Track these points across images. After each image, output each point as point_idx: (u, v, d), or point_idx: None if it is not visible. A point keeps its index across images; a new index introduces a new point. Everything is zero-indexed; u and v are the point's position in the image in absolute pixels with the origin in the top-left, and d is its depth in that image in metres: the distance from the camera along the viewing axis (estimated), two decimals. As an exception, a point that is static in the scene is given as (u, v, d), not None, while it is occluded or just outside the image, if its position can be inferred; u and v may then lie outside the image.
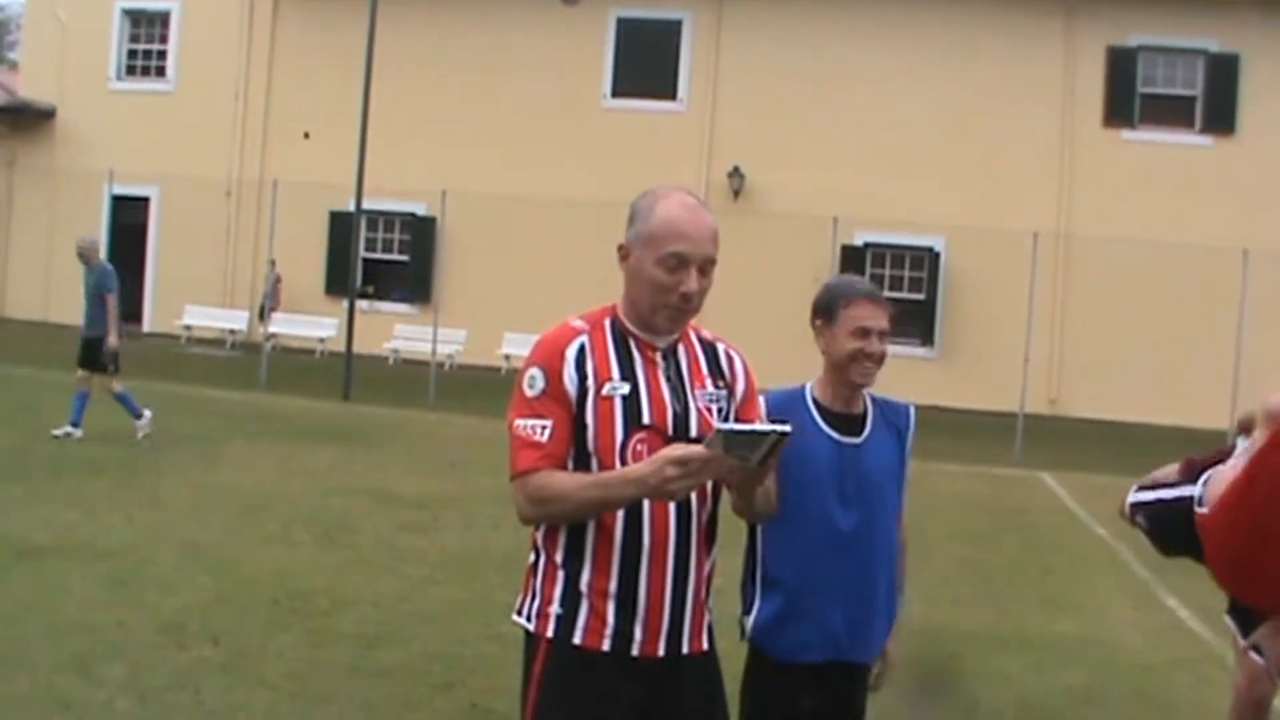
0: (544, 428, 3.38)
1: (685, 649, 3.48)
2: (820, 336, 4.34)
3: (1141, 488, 5.82)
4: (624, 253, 3.50)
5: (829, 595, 4.21)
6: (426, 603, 8.82)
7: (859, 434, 4.33)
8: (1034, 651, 8.74)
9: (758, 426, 3.31)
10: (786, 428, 3.20)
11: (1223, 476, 4.60)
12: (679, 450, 3.19)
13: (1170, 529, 5.49)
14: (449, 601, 8.86)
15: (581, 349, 3.44)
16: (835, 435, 4.29)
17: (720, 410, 3.54)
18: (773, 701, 4.24)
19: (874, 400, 4.44)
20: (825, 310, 4.32)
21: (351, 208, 24.83)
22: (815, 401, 4.34)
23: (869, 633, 4.35)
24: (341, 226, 28.29)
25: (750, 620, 4.29)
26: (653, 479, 3.18)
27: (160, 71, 33.71)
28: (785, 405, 4.19)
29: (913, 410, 4.53)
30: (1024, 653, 8.70)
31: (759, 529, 4.27)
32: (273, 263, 29.00)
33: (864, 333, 4.22)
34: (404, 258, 31.81)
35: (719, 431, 3.17)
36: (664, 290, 3.42)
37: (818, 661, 4.23)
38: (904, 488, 4.49)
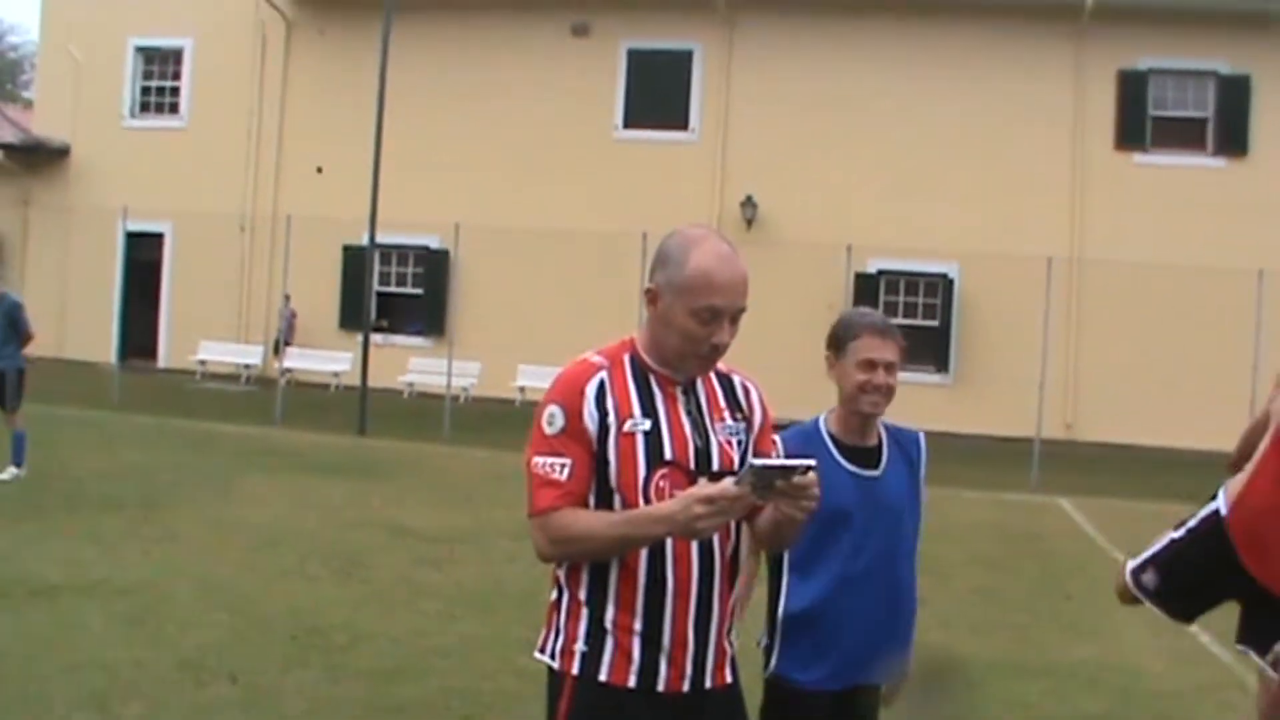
0: (563, 466, 3.36)
1: (709, 683, 3.47)
2: (832, 369, 4.43)
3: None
4: (652, 296, 3.47)
5: (852, 626, 4.29)
6: (444, 638, 8.80)
7: (876, 466, 4.41)
8: (1054, 678, 8.69)
9: (788, 461, 3.29)
10: (812, 461, 3.21)
11: (1244, 470, 4.53)
12: (708, 489, 3.17)
13: (1188, 568, 5.31)
14: (466, 636, 8.84)
15: (601, 385, 3.43)
16: (852, 468, 4.36)
17: (740, 443, 3.53)
18: None
19: (887, 430, 4.53)
20: (836, 342, 4.41)
21: (365, 241, 24.88)
22: (830, 435, 4.42)
23: (888, 657, 4.45)
24: (355, 260, 28.36)
25: (775, 652, 4.36)
26: (681, 516, 3.16)
27: (174, 108, 33.83)
28: (802, 443, 4.22)
29: (922, 437, 4.60)
30: (1044, 679, 8.65)
31: (784, 562, 4.36)
32: (287, 297, 29.07)
33: (870, 365, 4.32)
34: (418, 291, 31.82)
35: (751, 467, 3.16)
36: (696, 341, 3.41)
37: (838, 689, 4.31)
38: (919, 515, 4.56)
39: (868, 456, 4.41)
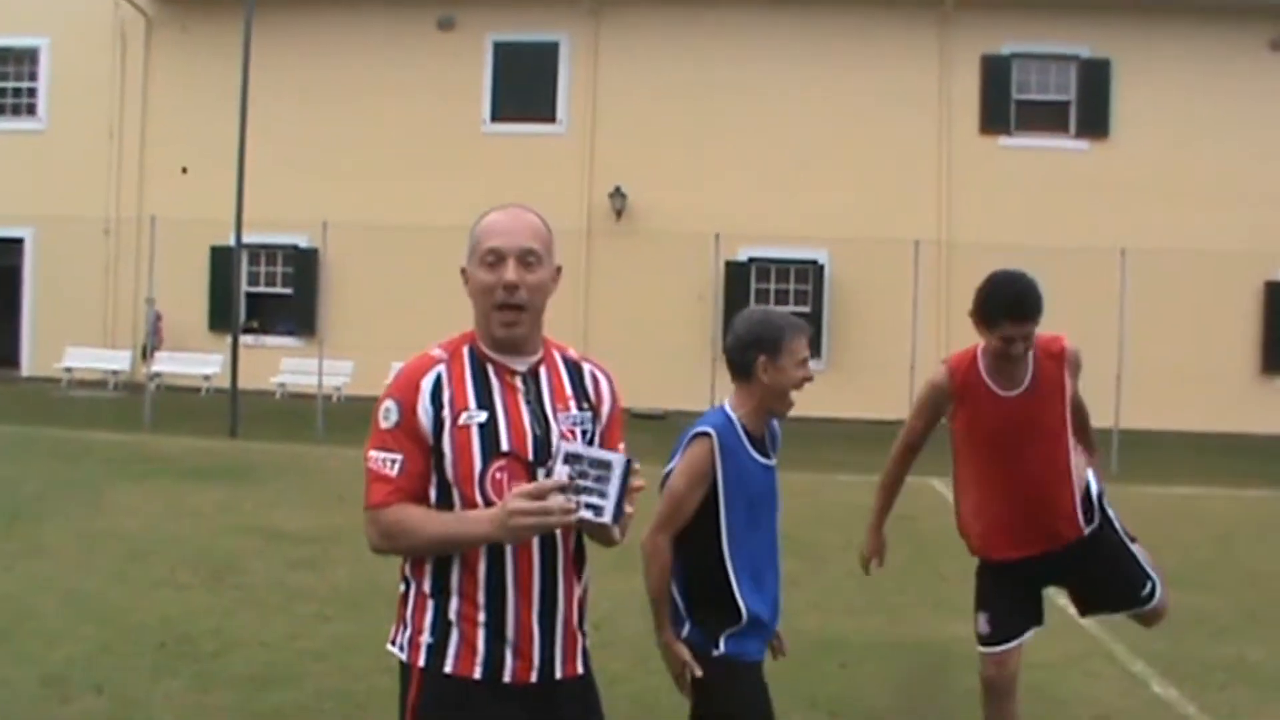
0: (394, 461, 3.38)
1: (559, 674, 3.46)
2: (764, 371, 4.62)
3: None
4: (465, 276, 3.53)
5: (772, 600, 4.68)
6: (318, 640, 8.70)
7: (770, 455, 4.74)
8: (928, 655, 8.79)
9: (605, 454, 3.28)
10: (633, 461, 3.25)
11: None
12: (526, 485, 3.19)
13: None
14: (340, 638, 8.73)
15: (438, 379, 3.43)
16: (761, 459, 4.67)
17: (585, 433, 3.51)
18: (758, 701, 4.59)
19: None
20: (768, 345, 4.63)
21: (232, 242, 24.52)
22: (744, 427, 4.64)
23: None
24: (223, 261, 27.95)
25: (724, 638, 4.55)
26: (499, 522, 3.20)
27: (31, 109, 33.00)
28: (728, 432, 4.58)
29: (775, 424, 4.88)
30: (919, 656, 8.75)
31: (725, 552, 4.55)
32: (150, 301, 28.59)
33: (805, 363, 4.72)
34: (287, 290, 31.44)
35: (563, 451, 3.20)
36: (488, 289, 3.44)
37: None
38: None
39: (763, 446, 4.70)
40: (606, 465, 3.20)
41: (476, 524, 3.27)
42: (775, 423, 4.79)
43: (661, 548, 4.55)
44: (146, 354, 28.36)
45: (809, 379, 4.72)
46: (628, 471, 3.21)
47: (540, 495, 3.17)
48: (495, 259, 3.43)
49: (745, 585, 4.54)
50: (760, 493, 4.61)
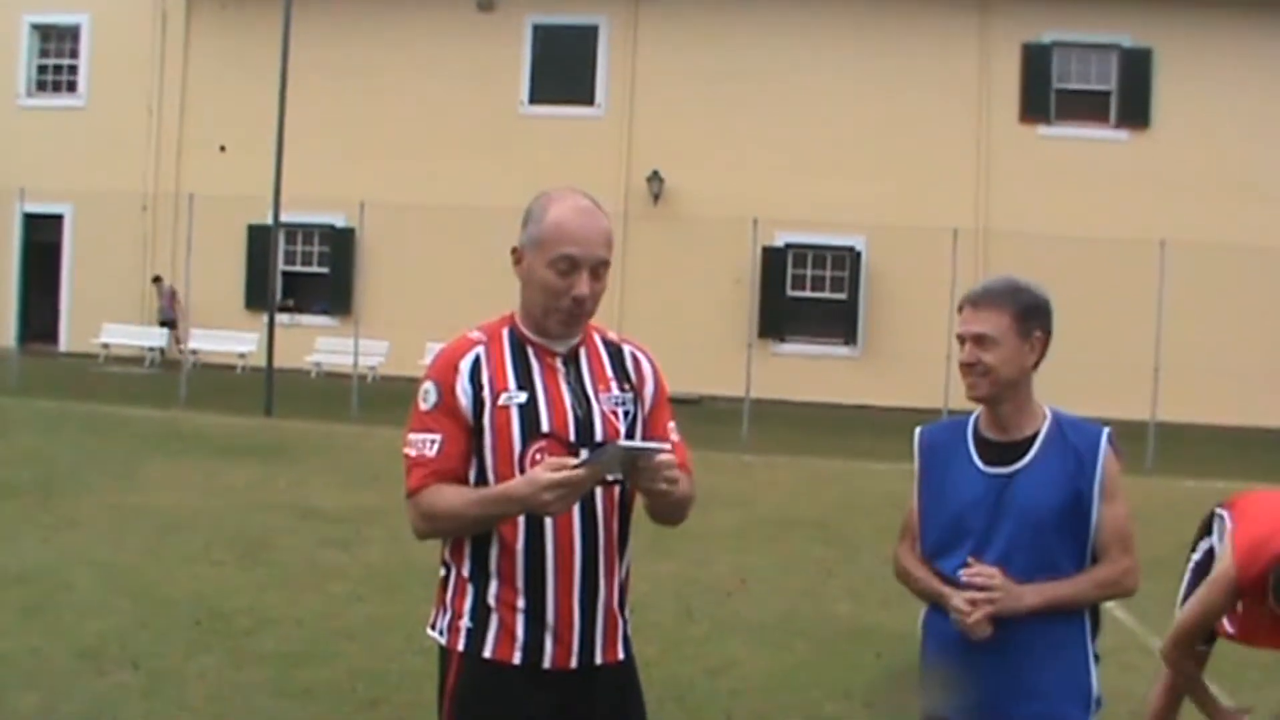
0: (433, 442, 3.38)
1: (599, 660, 3.44)
2: None
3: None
4: (517, 256, 3.47)
5: None
6: (350, 619, 8.71)
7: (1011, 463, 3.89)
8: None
9: (646, 444, 3.31)
10: (668, 445, 3.28)
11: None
12: (551, 474, 3.15)
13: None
14: (372, 618, 8.74)
15: (477, 360, 3.42)
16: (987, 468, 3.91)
17: (627, 414, 3.49)
18: None
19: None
20: None
21: (269, 221, 24.55)
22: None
23: None
24: (260, 240, 27.99)
25: None
26: (530, 501, 3.17)
27: (71, 86, 33.16)
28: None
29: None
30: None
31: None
32: (157, 278, 28.77)
33: (959, 339, 3.94)
34: (324, 270, 31.54)
35: (611, 446, 3.20)
36: (556, 294, 3.38)
37: None
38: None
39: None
40: (649, 452, 3.21)
41: (505, 503, 3.24)
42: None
43: None
44: (170, 327, 28.56)
45: (961, 362, 3.92)
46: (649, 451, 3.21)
47: (561, 484, 3.14)
48: (569, 267, 3.36)
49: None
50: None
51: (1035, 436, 3.88)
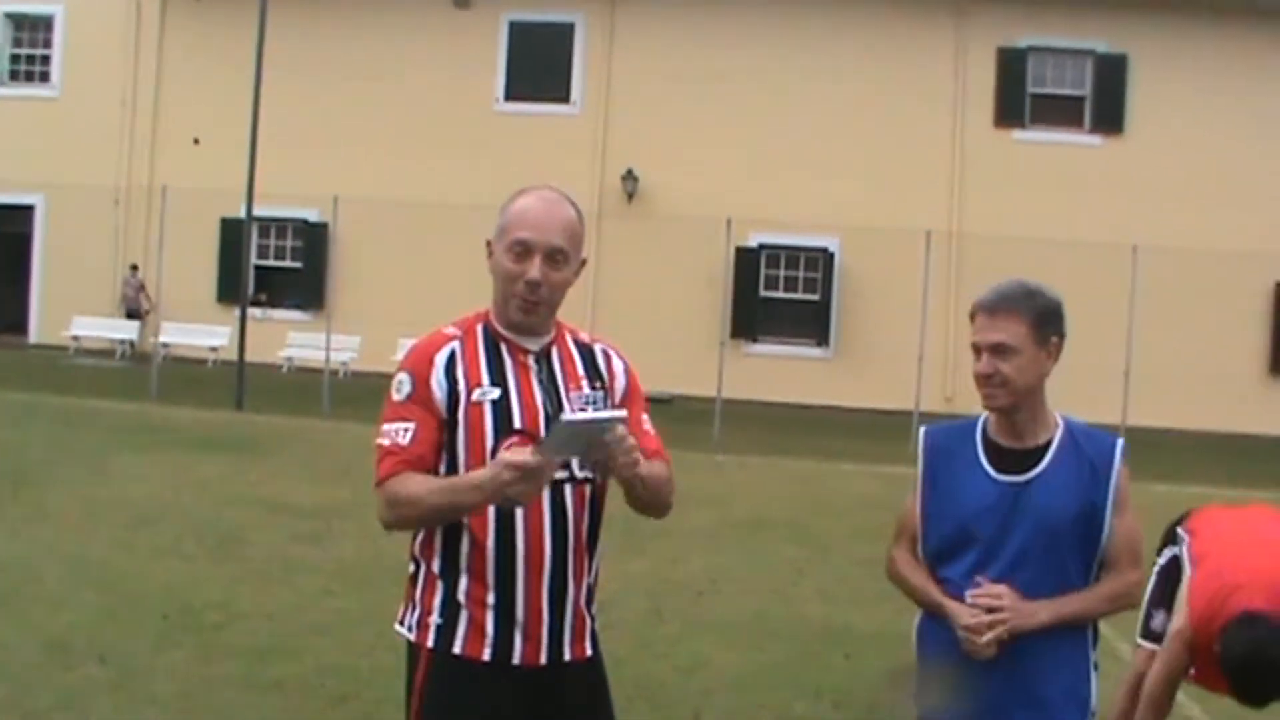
0: (406, 430, 3.38)
1: (568, 656, 3.45)
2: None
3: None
4: (489, 250, 3.51)
5: None
6: (320, 614, 8.69)
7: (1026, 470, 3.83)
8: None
9: (596, 415, 3.33)
10: (622, 413, 3.29)
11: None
12: (514, 457, 3.15)
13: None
14: (343, 612, 8.73)
15: (452, 355, 3.44)
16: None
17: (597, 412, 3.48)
18: None
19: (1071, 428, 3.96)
20: None
21: (243, 214, 24.48)
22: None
23: None
24: (233, 233, 27.92)
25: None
26: (490, 485, 3.17)
27: (44, 77, 32.98)
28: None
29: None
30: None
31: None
32: (134, 267, 28.64)
33: (974, 349, 3.82)
34: (297, 265, 31.46)
35: (558, 422, 3.17)
36: (511, 279, 3.42)
37: None
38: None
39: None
40: (602, 426, 3.20)
41: (469, 490, 3.24)
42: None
43: None
44: (130, 318, 28.52)
45: (975, 373, 3.83)
46: (607, 425, 3.20)
47: (523, 468, 3.13)
48: (522, 250, 3.40)
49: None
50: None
51: (1049, 444, 3.83)
